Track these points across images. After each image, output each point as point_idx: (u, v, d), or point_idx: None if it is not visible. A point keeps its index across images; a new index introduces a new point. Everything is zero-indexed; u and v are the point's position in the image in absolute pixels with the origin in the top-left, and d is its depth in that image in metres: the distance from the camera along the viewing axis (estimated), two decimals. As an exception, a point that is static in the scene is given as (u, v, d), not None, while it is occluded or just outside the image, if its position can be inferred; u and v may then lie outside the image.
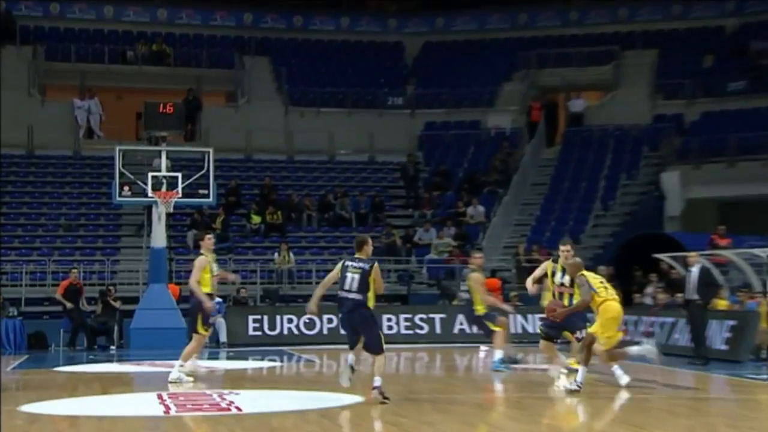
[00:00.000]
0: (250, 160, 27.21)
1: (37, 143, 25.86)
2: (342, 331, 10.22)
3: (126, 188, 18.42)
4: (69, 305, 18.53)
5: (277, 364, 14.44)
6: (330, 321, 18.82)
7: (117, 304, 19.19)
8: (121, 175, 18.45)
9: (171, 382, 11.24)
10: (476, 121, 28.36)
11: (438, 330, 19.77)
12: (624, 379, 10.36)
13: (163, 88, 27.07)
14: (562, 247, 10.96)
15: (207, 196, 18.89)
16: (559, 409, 9.49)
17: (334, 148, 27.69)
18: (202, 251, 11.88)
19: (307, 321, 19.16)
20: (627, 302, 14.93)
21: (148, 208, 19.46)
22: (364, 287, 9.40)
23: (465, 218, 24.25)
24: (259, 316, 19.47)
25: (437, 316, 19.91)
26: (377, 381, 9.29)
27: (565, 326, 10.80)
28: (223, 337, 19.06)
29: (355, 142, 27.60)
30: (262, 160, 27.16)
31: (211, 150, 19.15)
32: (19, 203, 24.10)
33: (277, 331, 19.43)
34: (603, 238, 23.48)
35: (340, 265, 9.55)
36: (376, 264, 9.52)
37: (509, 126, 27.89)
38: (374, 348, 9.42)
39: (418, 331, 19.77)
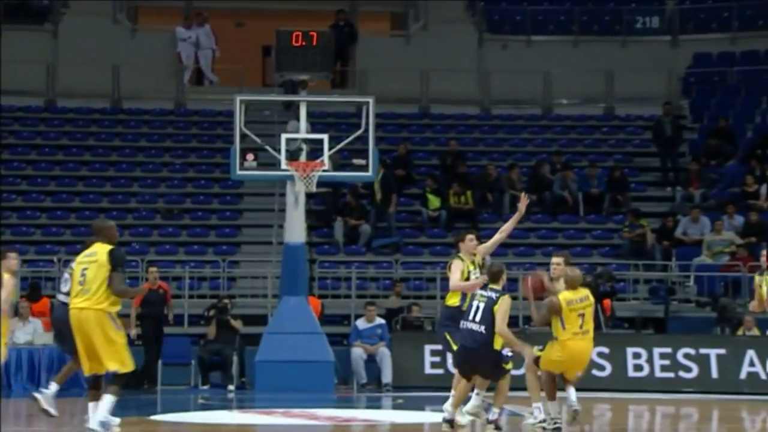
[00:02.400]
0: (427, 116, 27.44)
1: (125, 92, 26.87)
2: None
3: (250, 157, 18.89)
4: (134, 332, 18.46)
5: (468, 418, 14.54)
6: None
7: (237, 324, 19.79)
8: (243, 137, 18.96)
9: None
10: (778, 51, 27.78)
11: (714, 373, 19.47)
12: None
13: (302, 10, 27.63)
14: (554, 260, 13.02)
15: (365, 168, 19.16)
16: None
17: (552, 97, 27.57)
18: (460, 254, 12.99)
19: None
20: None
21: (282, 185, 19.93)
22: (488, 320, 11.83)
23: (758, 202, 23.86)
24: (439, 347, 19.53)
25: (713, 352, 19.53)
26: (495, 413, 11.95)
27: None
28: (387, 377, 19.34)
29: (585, 86, 27.43)
30: (445, 115, 27.32)
31: (370, 100, 19.37)
32: (100, 178, 25.06)
33: (467, 369, 19.49)
34: None
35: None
36: (506, 296, 11.89)
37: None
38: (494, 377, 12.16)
39: (683, 374, 19.44)
